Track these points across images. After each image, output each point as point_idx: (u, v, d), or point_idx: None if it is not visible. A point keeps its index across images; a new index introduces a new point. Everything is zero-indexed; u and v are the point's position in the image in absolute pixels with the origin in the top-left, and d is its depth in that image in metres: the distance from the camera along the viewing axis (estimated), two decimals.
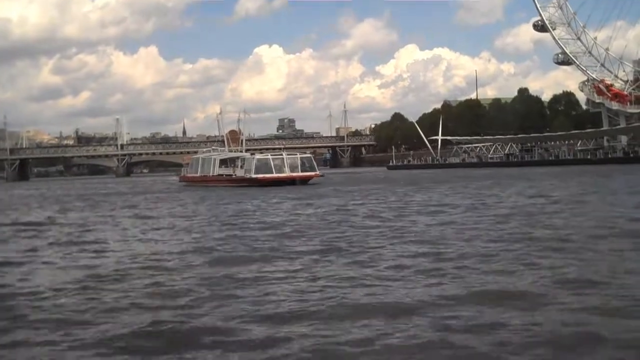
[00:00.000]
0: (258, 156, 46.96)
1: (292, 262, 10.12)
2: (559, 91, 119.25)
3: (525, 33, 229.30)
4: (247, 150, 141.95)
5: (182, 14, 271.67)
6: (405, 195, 28.02)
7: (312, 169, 45.92)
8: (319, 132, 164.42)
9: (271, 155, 46.62)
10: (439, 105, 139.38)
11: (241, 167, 47.40)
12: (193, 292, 7.97)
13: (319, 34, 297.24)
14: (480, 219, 16.12)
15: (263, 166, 44.75)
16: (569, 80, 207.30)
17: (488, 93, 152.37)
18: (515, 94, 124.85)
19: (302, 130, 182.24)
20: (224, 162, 51.49)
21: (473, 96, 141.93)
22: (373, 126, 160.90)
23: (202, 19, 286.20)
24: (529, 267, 8.87)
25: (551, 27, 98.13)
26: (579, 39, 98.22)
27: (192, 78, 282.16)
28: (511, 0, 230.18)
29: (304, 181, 44.28)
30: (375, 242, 12.21)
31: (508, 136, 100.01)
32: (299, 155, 46.42)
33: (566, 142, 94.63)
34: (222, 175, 49.53)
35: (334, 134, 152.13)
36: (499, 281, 8.03)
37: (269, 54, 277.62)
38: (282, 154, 46.14)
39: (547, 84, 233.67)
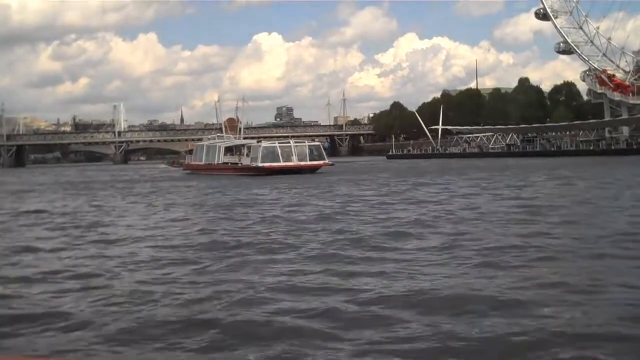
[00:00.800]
0: (265, 144, 45.22)
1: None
2: (557, 82, 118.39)
3: (524, 23, 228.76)
4: (245, 139, 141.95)
5: (182, 1, 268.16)
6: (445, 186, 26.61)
7: (320, 157, 44.37)
8: (316, 121, 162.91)
9: (278, 143, 44.98)
10: (437, 95, 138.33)
11: (247, 155, 45.82)
12: None
13: (319, 22, 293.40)
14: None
15: (270, 154, 43.39)
16: (567, 71, 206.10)
17: (487, 83, 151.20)
18: (514, 84, 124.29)
19: (300, 119, 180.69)
20: (229, 150, 49.92)
21: (472, 86, 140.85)
22: (371, 115, 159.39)
23: (203, 6, 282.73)
24: None
25: (553, 15, 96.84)
26: (580, 28, 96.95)
27: (190, 65, 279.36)
28: None
29: (313, 170, 42.95)
30: None
31: (509, 126, 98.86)
32: (307, 143, 45.11)
33: (567, 132, 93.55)
34: (228, 163, 48.00)
35: (332, 122, 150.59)
36: None
37: (268, 41, 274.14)
38: (289, 142, 44.67)
39: (546, 75, 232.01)
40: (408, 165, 60.17)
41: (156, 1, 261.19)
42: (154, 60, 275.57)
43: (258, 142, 47.07)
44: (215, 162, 49.04)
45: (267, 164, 42.47)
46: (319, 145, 46.93)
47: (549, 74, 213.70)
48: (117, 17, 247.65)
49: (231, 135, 60.81)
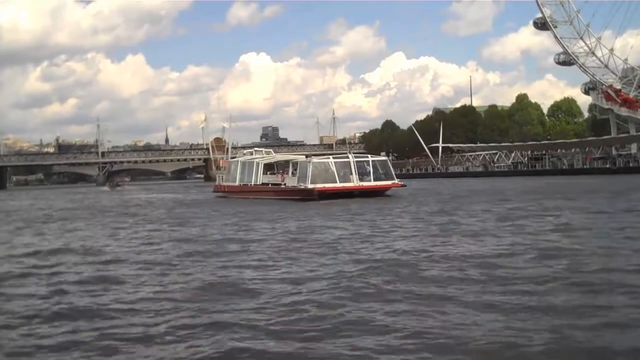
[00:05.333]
0: (316, 160, 34.88)
1: None
2: (542, 101, 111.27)
3: (512, 42, 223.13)
4: (232, 159, 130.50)
5: (174, 22, 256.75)
6: None
7: (387, 176, 33.88)
8: (302, 141, 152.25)
9: (334, 158, 34.56)
10: (425, 115, 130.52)
11: (293, 173, 35.57)
12: None
13: (309, 42, 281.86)
14: None
15: (322, 173, 33.05)
16: (553, 90, 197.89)
17: (474, 102, 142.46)
18: (500, 103, 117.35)
19: (286, 139, 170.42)
20: (269, 168, 39.38)
21: (459, 105, 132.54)
22: (358, 135, 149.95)
23: (195, 26, 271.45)
24: None
25: (553, 25, 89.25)
26: (581, 38, 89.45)
27: (180, 85, 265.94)
28: (501, 11, 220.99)
29: (379, 193, 32.91)
30: None
31: (516, 143, 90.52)
32: (370, 158, 34.35)
33: (572, 149, 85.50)
34: (268, 184, 37.53)
35: (318, 142, 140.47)
36: None
37: (256, 61, 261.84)
38: (348, 156, 34.20)
39: (531, 94, 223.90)
40: (439, 186, 50.64)
41: (148, 21, 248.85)
42: (142, 81, 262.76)
43: (307, 157, 36.78)
44: (253, 183, 38.41)
45: (319, 186, 32.18)
46: (385, 160, 36.45)
47: (534, 92, 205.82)
48: (108, 38, 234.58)
49: (271, 150, 49.39)
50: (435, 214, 20.67)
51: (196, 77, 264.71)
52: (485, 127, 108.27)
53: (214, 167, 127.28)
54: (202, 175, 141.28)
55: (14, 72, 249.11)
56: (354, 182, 32.58)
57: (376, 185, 32.86)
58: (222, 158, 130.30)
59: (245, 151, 47.96)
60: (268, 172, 38.76)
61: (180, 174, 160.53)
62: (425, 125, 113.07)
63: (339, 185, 32.43)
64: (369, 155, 35.18)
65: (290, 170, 36.19)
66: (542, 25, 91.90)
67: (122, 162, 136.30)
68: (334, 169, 32.99)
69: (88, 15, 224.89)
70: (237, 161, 42.30)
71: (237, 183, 40.21)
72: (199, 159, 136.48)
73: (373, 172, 33.12)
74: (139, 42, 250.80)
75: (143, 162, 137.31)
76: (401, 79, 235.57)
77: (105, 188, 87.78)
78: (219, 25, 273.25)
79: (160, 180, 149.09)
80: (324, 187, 32.21)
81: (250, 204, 32.01)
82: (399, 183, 33.98)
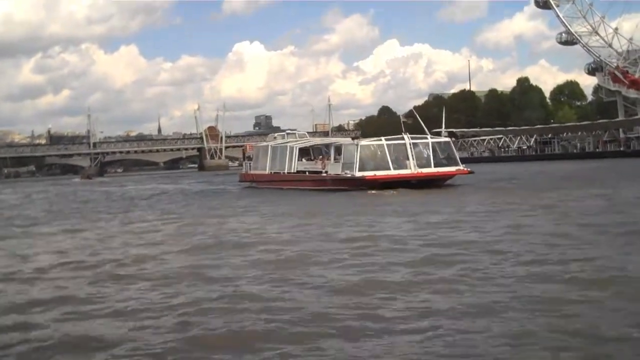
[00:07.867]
0: (364, 142, 28.55)
1: None
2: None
3: (506, 28, 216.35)
4: (226, 148, 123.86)
5: (168, 12, 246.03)
6: None
7: (450, 161, 27.95)
8: (295, 129, 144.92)
9: (386, 140, 27.96)
10: (420, 101, 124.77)
11: (335, 159, 29.39)
12: None
13: (303, 30, 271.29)
14: None
15: (372, 158, 27.34)
16: (546, 75, 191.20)
17: (467, 88, 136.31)
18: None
19: (279, 127, 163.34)
20: (305, 153, 33.08)
21: (454, 91, 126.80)
22: (352, 122, 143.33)
23: (190, 16, 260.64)
24: None
25: (555, 4, 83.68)
26: (584, 17, 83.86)
27: (173, 76, 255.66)
28: None
29: (440, 180, 27.09)
30: None
31: (524, 127, 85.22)
32: (430, 140, 28.36)
33: (579, 133, 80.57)
34: (305, 172, 31.27)
35: (313, 130, 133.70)
36: None
37: (250, 51, 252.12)
38: (403, 137, 27.78)
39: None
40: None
41: (142, 11, 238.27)
42: (135, 72, 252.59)
43: (353, 139, 30.54)
44: (287, 171, 32.05)
45: (369, 173, 26.48)
46: (448, 142, 29.94)
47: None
48: (102, 29, 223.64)
49: (306, 133, 42.49)
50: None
51: (190, 67, 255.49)
52: (484, 111, 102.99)
53: (207, 157, 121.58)
54: (196, 165, 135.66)
55: (6, 65, 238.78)
56: (411, 169, 26.78)
57: (437, 172, 27.05)
58: (217, 147, 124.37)
59: (276, 135, 41.17)
60: (304, 157, 32.68)
61: (173, 164, 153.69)
62: (424, 111, 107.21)
63: (393, 172, 26.62)
64: (429, 136, 28.85)
65: (333, 155, 30.04)
66: (543, 3, 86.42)
67: (114, 153, 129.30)
68: (386, 152, 27.08)
69: (83, 5, 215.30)
70: (268, 146, 35.84)
71: (267, 171, 33.97)
72: (193, 149, 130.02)
73: (433, 157, 27.24)
74: (132, 33, 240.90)
75: (135, 152, 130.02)
76: (395, 66, 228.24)
77: (77, 179, 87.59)
78: (214, 14, 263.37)
79: (153, 171, 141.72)
80: (375, 175, 26.38)
81: (291, 195, 26.17)
82: (465, 169, 27.91)
